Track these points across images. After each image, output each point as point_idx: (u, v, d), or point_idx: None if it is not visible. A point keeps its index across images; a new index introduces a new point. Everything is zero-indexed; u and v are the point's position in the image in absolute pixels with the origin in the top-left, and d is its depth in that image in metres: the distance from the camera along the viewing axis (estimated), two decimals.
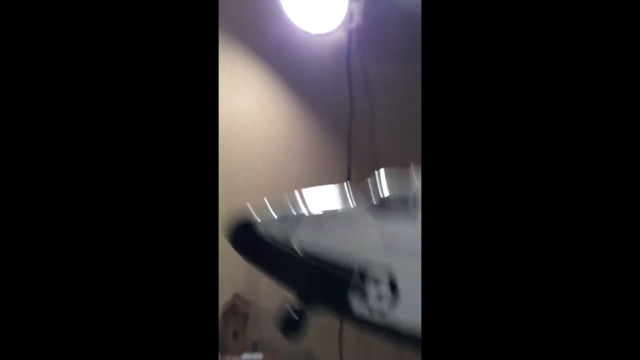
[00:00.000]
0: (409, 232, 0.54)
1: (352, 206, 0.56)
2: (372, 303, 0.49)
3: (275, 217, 0.57)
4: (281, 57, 1.27)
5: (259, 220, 0.57)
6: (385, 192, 0.55)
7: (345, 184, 0.59)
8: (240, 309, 1.28)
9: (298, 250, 0.53)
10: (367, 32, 1.25)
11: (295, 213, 0.57)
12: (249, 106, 1.30)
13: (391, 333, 0.52)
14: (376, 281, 0.51)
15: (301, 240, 0.53)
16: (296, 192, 0.57)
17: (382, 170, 0.59)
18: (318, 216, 0.55)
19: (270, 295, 1.34)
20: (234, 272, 1.31)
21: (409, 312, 0.49)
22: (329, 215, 0.56)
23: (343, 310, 0.51)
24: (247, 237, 0.57)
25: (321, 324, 1.34)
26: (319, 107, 1.30)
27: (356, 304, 0.50)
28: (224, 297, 1.29)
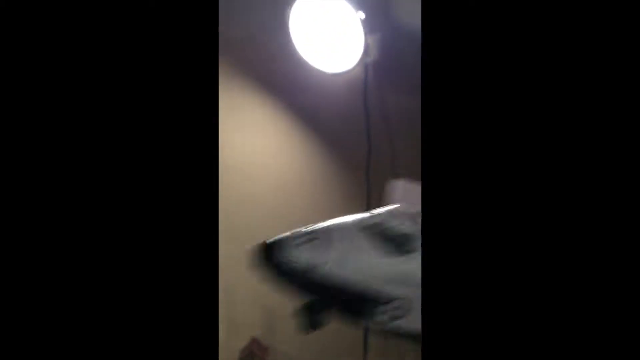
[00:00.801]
0: (409, 266, 0.61)
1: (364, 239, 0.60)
2: (388, 315, 0.55)
3: (296, 239, 0.62)
4: (297, 98, 1.27)
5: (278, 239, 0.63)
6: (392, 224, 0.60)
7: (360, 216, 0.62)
8: (257, 355, 1.23)
9: (326, 279, 0.56)
10: (385, 65, 1.23)
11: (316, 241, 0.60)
12: (264, 149, 1.29)
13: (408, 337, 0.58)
14: (394, 309, 0.56)
15: (325, 272, 0.56)
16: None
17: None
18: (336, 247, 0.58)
19: (289, 339, 1.30)
20: (250, 315, 1.28)
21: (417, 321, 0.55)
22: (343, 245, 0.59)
23: (365, 319, 0.58)
24: (273, 259, 0.62)
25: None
26: (335, 146, 1.28)
27: (372, 321, 0.57)
28: (241, 342, 1.25)
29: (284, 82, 1.27)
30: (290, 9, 1.15)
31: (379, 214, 0.62)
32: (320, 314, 0.62)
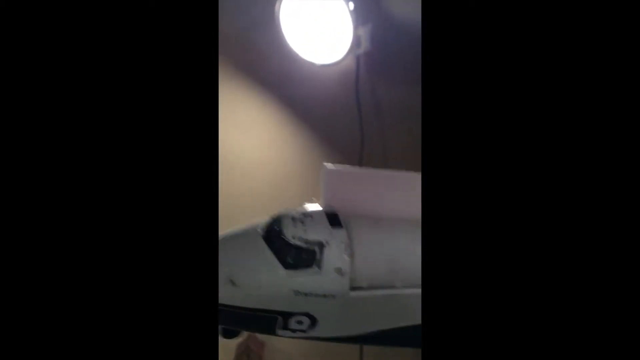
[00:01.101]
0: (320, 280, 0.60)
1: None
2: (292, 327, 0.55)
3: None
4: (286, 90, 1.25)
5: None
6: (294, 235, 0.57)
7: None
8: (254, 351, 1.22)
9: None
10: (376, 56, 1.22)
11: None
12: (254, 143, 1.28)
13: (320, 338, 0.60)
14: (297, 324, 0.56)
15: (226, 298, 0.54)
16: None
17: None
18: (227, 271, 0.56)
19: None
20: None
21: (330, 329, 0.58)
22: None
23: (271, 334, 0.57)
24: None
25: (338, 357, 1.30)
26: (327, 138, 1.27)
27: (283, 332, 0.57)
28: (237, 338, 1.24)
29: (273, 74, 1.26)
30: (280, 0, 1.13)
31: (282, 219, 0.59)
32: (232, 332, 0.63)
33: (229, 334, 0.61)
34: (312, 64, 1.20)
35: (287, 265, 0.55)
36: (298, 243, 0.57)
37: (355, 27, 1.15)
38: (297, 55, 1.19)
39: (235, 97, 1.26)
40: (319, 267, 0.57)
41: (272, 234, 0.60)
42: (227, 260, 0.57)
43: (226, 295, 0.54)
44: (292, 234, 0.57)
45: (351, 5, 1.13)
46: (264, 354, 1.24)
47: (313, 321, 0.59)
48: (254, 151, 1.27)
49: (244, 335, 1.25)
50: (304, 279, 0.57)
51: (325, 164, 0.70)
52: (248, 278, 0.54)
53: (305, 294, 0.57)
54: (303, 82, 1.24)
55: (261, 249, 0.58)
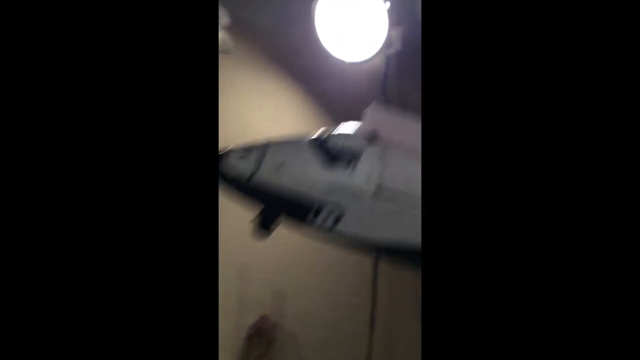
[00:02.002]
0: (351, 179, 0.68)
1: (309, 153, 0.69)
2: (321, 220, 0.65)
3: (239, 152, 0.68)
4: (315, 86, 1.27)
5: (231, 153, 0.68)
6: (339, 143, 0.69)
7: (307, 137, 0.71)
8: (265, 332, 1.27)
9: (260, 184, 0.63)
10: (407, 58, 1.23)
11: (257, 152, 0.68)
12: (278, 133, 1.30)
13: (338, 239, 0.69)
14: (328, 214, 0.65)
15: (264, 177, 0.63)
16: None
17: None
18: (279, 156, 0.66)
19: (297, 320, 1.34)
20: (260, 294, 1.32)
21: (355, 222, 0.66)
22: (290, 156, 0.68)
23: (302, 222, 0.66)
24: (224, 168, 0.67)
25: (348, 349, 1.33)
26: None
27: (314, 220, 0.66)
28: (250, 319, 1.29)
29: (303, 69, 1.28)
30: None
31: (328, 130, 0.69)
32: (268, 222, 0.70)
33: (265, 227, 0.70)
34: (342, 62, 1.22)
35: (328, 163, 0.65)
36: (339, 148, 0.67)
37: (389, 28, 1.17)
38: (327, 51, 1.21)
39: (265, 88, 1.29)
40: (354, 169, 0.66)
41: (319, 140, 0.69)
42: (280, 149, 0.66)
43: (277, 174, 0.63)
44: (335, 141, 0.66)
45: (387, 4, 1.14)
46: (275, 336, 1.29)
47: (339, 217, 0.68)
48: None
49: (256, 316, 1.29)
50: (340, 176, 0.67)
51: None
52: (297, 164, 0.64)
53: (340, 189, 0.68)
54: (331, 78, 1.26)
55: (308, 147, 0.69)
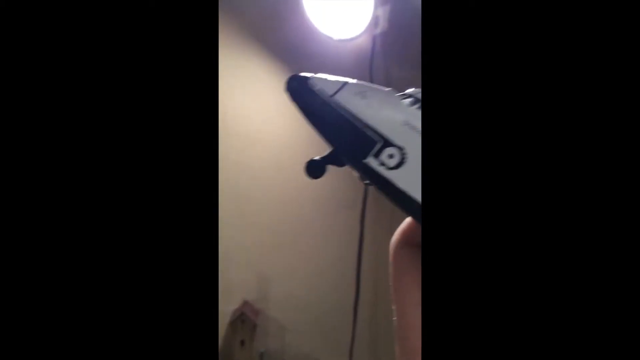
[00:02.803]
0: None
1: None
2: (383, 159, 0.60)
3: (325, 76, 0.67)
4: (302, 62, 1.25)
5: (311, 75, 0.66)
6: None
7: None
8: (249, 317, 1.24)
9: (339, 107, 0.60)
10: (392, 37, 1.22)
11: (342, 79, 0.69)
12: (266, 111, 1.28)
13: (390, 186, 0.61)
14: (389, 156, 0.63)
15: (344, 100, 0.60)
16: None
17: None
18: (363, 87, 0.67)
19: (280, 305, 1.32)
20: (243, 279, 1.29)
21: (411, 175, 0.61)
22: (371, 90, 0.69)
23: (359, 161, 0.60)
24: (299, 87, 0.65)
25: (331, 334, 1.33)
26: None
27: (372, 160, 0.61)
28: (233, 304, 1.26)
29: (290, 44, 1.25)
30: None
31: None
32: (320, 165, 0.70)
33: (315, 172, 0.67)
34: (329, 38, 1.20)
35: (406, 104, 0.66)
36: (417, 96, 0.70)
37: (375, 7, 1.16)
38: (315, 28, 1.18)
39: (249, 64, 1.25)
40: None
41: (403, 94, 0.71)
42: (362, 84, 0.67)
43: (351, 102, 0.64)
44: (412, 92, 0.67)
45: None
46: (257, 321, 1.26)
47: (401, 162, 0.67)
48: (263, 119, 1.28)
49: (240, 302, 1.27)
50: (415, 114, 0.66)
51: None
52: (375, 98, 0.64)
53: (412, 127, 0.66)
54: (318, 54, 1.24)
55: (390, 91, 0.70)
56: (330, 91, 0.66)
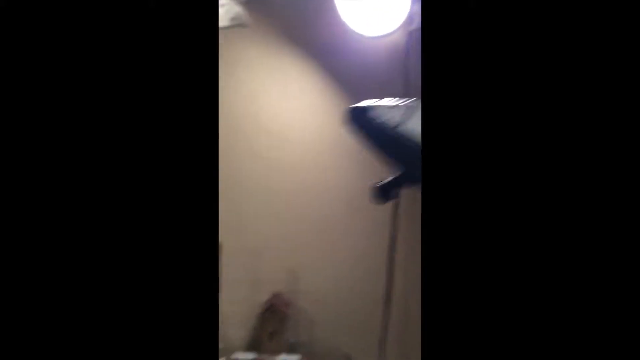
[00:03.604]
0: None
1: None
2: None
3: (388, 104, 0.68)
4: (334, 61, 1.25)
5: (373, 104, 0.68)
6: None
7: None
8: (279, 309, 1.27)
9: (406, 137, 0.64)
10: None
11: (405, 105, 0.69)
12: (298, 110, 1.29)
13: None
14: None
15: (409, 129, 0.64)
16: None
17: None
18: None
19: (311, 297, 1.35)
20: (274, 272, 1.32)
21: None
22: None
23: None
24: (361, 117, 0.68)
25: (361, 327, 1.34)
26: None
27: None
28: (263, 296, 1.30)
29: (322, 43, 1.25)
30: None
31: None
32: (392, 189, 0.69)
33: (385, 196, 0.69)
34: (361, 36, 1.18)
35: None
36: None
37: (412, 4, 1.13)
38: (347, 26, 1.18)
39: (282, 63, 1.26)
40: None
41: None
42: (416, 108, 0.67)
43: (418, 131, 0.64)
44: None
45: None
46: (288, 312, 1.29)
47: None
48: (295, 117, 1.29)
49: (270, 294, 1.30)
50: None
51: None
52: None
53: None
54: (351, 52, 1.23)
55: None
56: (394, 122, 0.67)
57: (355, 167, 1.27)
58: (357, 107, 0.68)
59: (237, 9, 1.03)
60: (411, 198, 1.29)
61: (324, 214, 1.32)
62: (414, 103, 0.67)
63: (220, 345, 1.19)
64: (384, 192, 0.69)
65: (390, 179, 0.69)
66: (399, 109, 0.66)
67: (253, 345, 1.32)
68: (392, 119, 0.66)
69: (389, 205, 1.29)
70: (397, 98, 0.68)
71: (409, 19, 1.15)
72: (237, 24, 1.03)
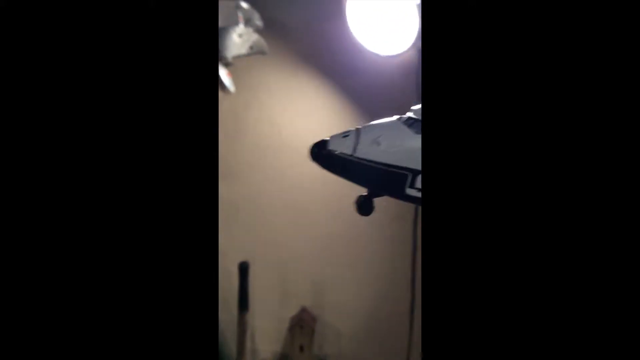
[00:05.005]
0: None
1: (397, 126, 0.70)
2: (419, 185, 0.66)
3: (341, 135, 0.71)
4: (349, 80, 1.29)
5: (328, 138, 0.71)
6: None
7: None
8: (307, 323, 1.30)
9: (363, 161, 0.67)
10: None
11: (355, 132, 0.71)
12: (314, 129, 1.32)
13: None
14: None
15: (364, 154, 0.67)
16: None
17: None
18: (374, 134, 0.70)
19: (337, 311, 1.37)
20: (301, 286, 1.35)
21: None
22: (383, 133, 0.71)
23: (401, 194, 0.68)
24: (321, 152, 0.72)
25: (387, 340, 1.36)
26: None
27: (410, 191, 0.68)
28: (291, 311, 1.34)
29: (338, 64, 1.29)
30: None
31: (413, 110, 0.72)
32: (367, 203, 0.72)
33: (365, 210, 0.72)
34: (376, 55, 1.22)
35: (417, 132, 0.68)
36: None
37: (420, 22, 1.17)
38: (361, 45, 1.21)
39: (300, 85, 1.31)
40: None
41: (404, 118, 0.72)
42: (372, 129, 0.70)
43: (371, 153, 0.68)
44: (418, 114, 0.69)
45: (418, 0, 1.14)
46: (315, 327, 1.32)
47: None
48: (314, 135, 1.32)
49: (298, 309, 1.33)
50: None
51: None
52: (389, 139, 0.67)
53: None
54: (366, 72, 1.27)
55: (397, 123, 0.71)
56: (349, 150, 0.69)
57: None
58: (316, 143, 0.72)
59: (255, 37, 1.08)
60: None
61: (348, 231, 1.35)
62: (358, 127, 0.69)
63: None
64: (361, 207, 0.73)
65: (363, 195, 0.73)
66: (350, 135, 0.69)
67: (283, 359, 1.36)
68: (347, 147, 0.69)
69: (409, 216, 1.32)
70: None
71: (420, 36, 1.19)
72: (256, 52, 1.09)
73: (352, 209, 1.35)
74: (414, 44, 1.20)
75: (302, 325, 1.31)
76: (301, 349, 1.32)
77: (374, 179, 0.71)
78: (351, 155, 0.70)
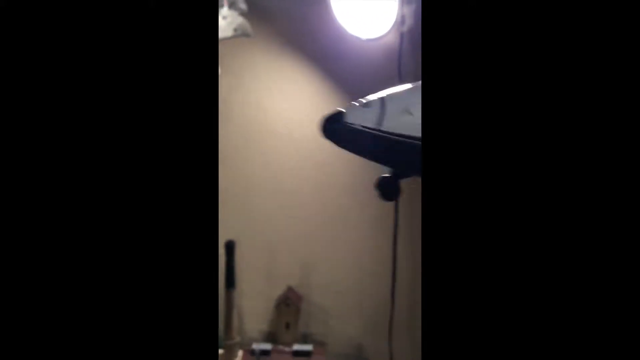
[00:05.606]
0: None
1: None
2: None
3: (360, 105, 0.61)
4: (333, 63, 1.32)
5: (343, 110, 0.61)
6: None
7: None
8: (293, 301, 1.34)
9: (393, 134, 0.57)
10: (419, 35, 1.26)
11: (379, 101, 0.61)
12: (299, 112, 1.35)
13: None
14: None
15: (393, 126, 0.57)
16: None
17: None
18: (403, 102, 0.59)
19: (322, 290, 1.40)
20: (287, 267, 1.38)
21: None
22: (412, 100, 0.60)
23: None
24: (335, 127, 0.61)
25: (371, 317, 1.40)
26: None
27: None
28: (278, 290, 1.37)
29: (321, 48, 1.31)
30: None
31: None
32: (393, 185, 0.64)
33: (391, 194, 0.63)
34: (358, 38, 1.25)
35: None
36: None
37: (401, 6, 1.20)
38: (344, 29, 1.24)
39: (284, 68, 1.33)
40: None
41: None
42: (398, 97, 0.61)
43: (402, 125, 0.59)
44: None
45: None
46: (301, 305, 1.35)
47: None
48: (299, 118, 1.34)
49: (284, 288, 1.36)
50: None
51: None
52: (418, 106, 0.57)
53: None
54: (348, 55, 1.29)
55: (416, 85, 0.62)
56: (372, 122, 0.57)
57: (358, 162, 1.33)
58: (328, 117, 0.61)
59: (240, 20, 1.10)
60: (410, 193, 1.35)
61: (331, 211, 1.38)
62: (382, 96, 0.60)
63: (238, 338, 1.26)
64: (385, 191, 0.63)
65: (387, 176, 0.63)
66: (373, 105, 0.60)
67: (271, 335, 1.39)
68: (370, 119, 0.59)
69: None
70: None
71: (400, 20, 1.22)
72: (240, 34, 1.10)
73: (335, 190, 1.39)
74: (393, 27, 1.23)
75: (288, 303, 1.34)
76: (287, 326, 1.35)
77: (407, 157, 0.60)
78: (376, 129, 0.59)
